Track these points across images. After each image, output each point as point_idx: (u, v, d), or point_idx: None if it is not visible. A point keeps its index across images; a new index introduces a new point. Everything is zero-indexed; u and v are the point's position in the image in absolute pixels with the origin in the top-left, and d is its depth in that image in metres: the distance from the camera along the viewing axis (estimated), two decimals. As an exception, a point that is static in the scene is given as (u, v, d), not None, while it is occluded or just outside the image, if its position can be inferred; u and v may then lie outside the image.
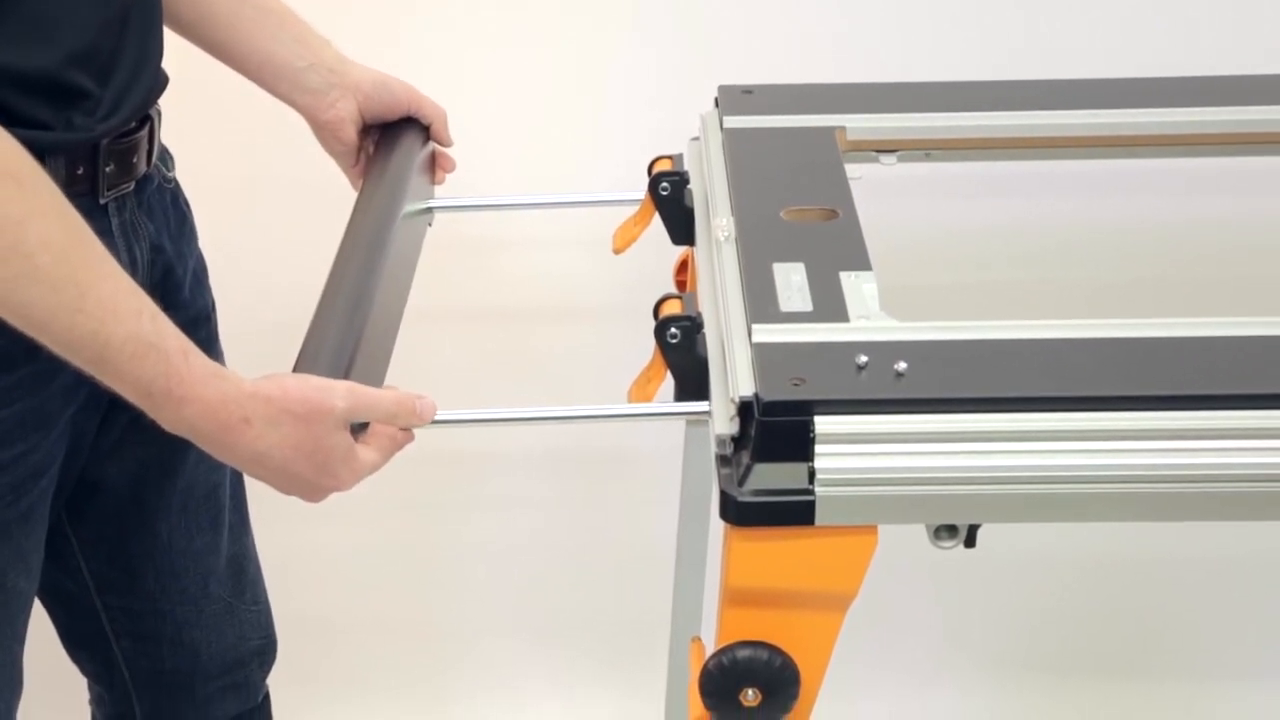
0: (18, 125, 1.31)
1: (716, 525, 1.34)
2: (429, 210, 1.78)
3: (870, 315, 1.42)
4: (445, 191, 1.85)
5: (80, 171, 1.46)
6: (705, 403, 1.41)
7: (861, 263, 1.51)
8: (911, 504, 1.29)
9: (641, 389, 1.49)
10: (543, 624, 2.59)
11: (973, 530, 1.32)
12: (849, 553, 1.30)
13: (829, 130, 1.81)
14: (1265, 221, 2.39)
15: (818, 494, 1.28)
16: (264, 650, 1.86)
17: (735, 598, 1.33)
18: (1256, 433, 1.29)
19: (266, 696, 1.90)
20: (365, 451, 1.38)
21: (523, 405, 1.52)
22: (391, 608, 2.58)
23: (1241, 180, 2.33)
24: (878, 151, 1.84)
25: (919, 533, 1.33)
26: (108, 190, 1.51)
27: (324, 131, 1.76)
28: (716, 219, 1.62)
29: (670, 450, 1.89)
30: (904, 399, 1.31)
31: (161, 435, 1.54)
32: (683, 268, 1.88)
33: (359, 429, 1.37)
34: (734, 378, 1.35)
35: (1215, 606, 2.60)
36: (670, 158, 1.81)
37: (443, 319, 2.33)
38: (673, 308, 1.48)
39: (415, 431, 1.41)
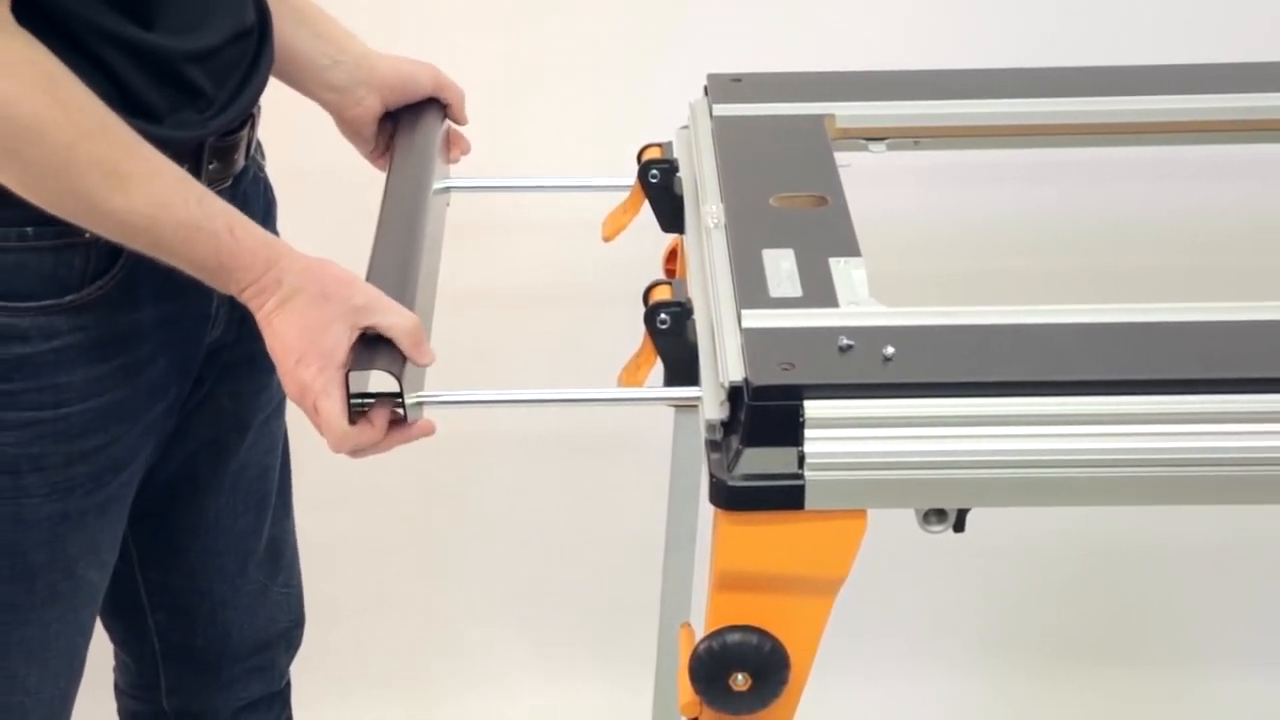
0: (132, 113, 1.39)
1: (706, 510, 1.35)
2: (447, 190, 1.79)
3: (859, 301, 1.43)
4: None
5: (185, 167, 1.47)
6: (695, 388, 1.41)
7: (851, 249, 1.51)
8: (901, 488, 1.30)
9: (631, 375, 1.49)
10: (531, 609, 2.60)
11: (962, 515, 1.33)
12: (838, 537, 1.31)
13: (818, 118, 1.81)
14: (1251, 208, 2.40)
15: (807, 478, 1.28)
16: (291, 632, 1.86)
17: (725, 582, 1.33)
18: (1245, 416, 1.30)
19: (288, 683, 1.90)
20: (334, 406, 1.39)
21: (511, 390, 1.52)
22: (378, 594, 2.58)
23: (1231, 168, 2.33)
24: (867, 139, 1.84)
25: (908, 517, 1.33)
26: (210, 185, 1.52)
27: (348, 125, 1.77)
28: (706, 206, 1.62)
29: (660, 436, 1.89)
30: (893, 384, 1.31)
31: (223, 417, 1.63)
32: (672, 255, 1.88)
33: (369, 352, 1.40)
34: (724, 363, 1.36)
35: (1203, 592, 2.61)
36: (660, 145, 1.81)
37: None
38: (662, 294, 1.48)
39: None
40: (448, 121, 1.80)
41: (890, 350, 1.33)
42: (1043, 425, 1.29)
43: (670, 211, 1.76)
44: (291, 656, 1.89)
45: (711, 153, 1.74)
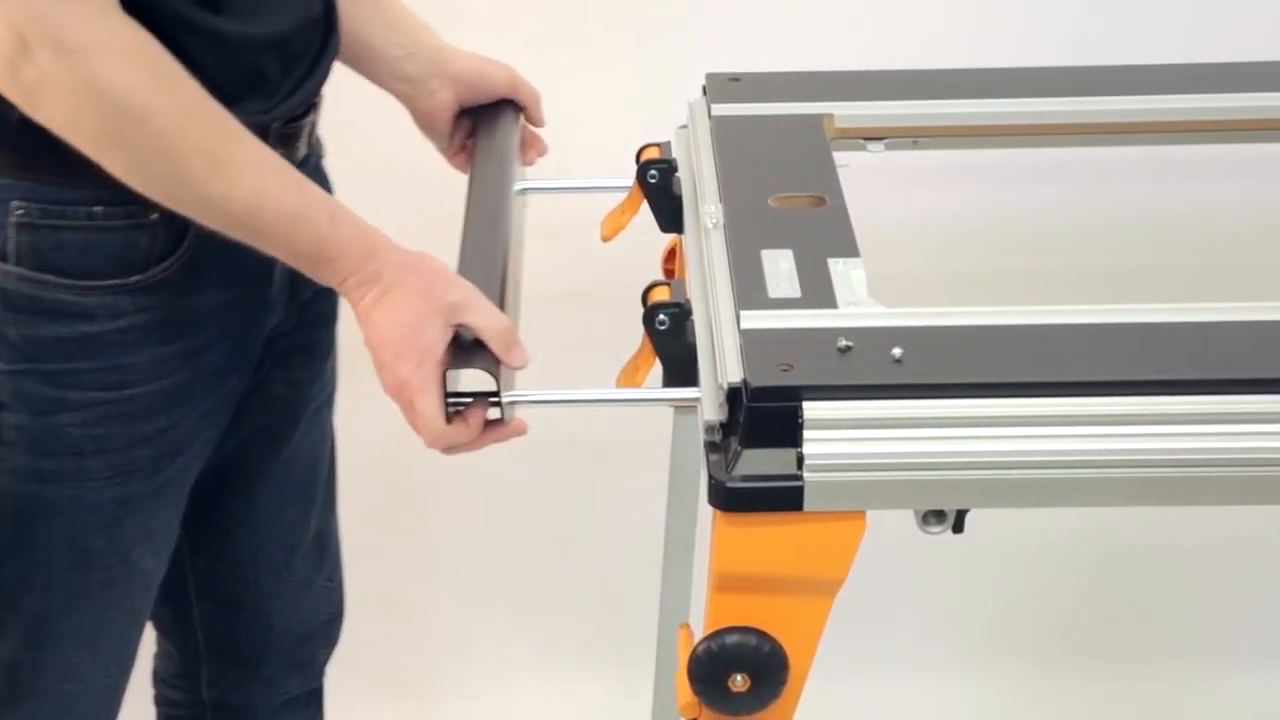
0: None
1: (705, 511, 1.35)
2: (524, 191, 1.79)
3: (858, 301, 1.43)
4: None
5: None
6: (694, 389, 1.41)
7: (849, 249, 1.51)
8: (900, 489, 1.30)
9: (630, 376, 1.49)
10: (530, 610, 2.60)
11: (960, 516, 1.32)
12: (837, 538, 1.31)
13: (817, 118, 1.81)
14: (1252, 208, 2.40)
15: (806, 479, 1.28)
16: (331, 626, 1.87)
17: (723, 583, 1.33)
18: (1246, 417, 1.29)
19: (321, 687, 1.90)
20: (432, 404, 1.40)
21: (509, 390, 1.52)
22: (376, 594, 2.58)
23: (1231, 167, 2.33)
24: (865, 139, 1.84)
25: (907, 518, 1.33)
26: None
27: (422, 118, 1.77)
28: (705, 206, 1.62)
29: (658, 437, 1.89)
30: (892, 384, 1.31)
31: (276, 405, 1.65)
32: (671, 255, 1.88)
33: (465, 350, 1.40)
34: (722, 364, 1.36)
35: (1203, 592, 2.61)
36: (658, 145, 1.81)
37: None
38: (661, 294, 1.48)
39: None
40: (525, 124, 1.80)
41: (899, 352, 1.33)
42: (1041, 426, 1.29)
43: (669, 212, 1.76)
44: (330, 653, 1.89)
45: (710, 153, 1.74)
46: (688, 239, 1.67)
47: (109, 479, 1.51)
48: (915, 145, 1.86)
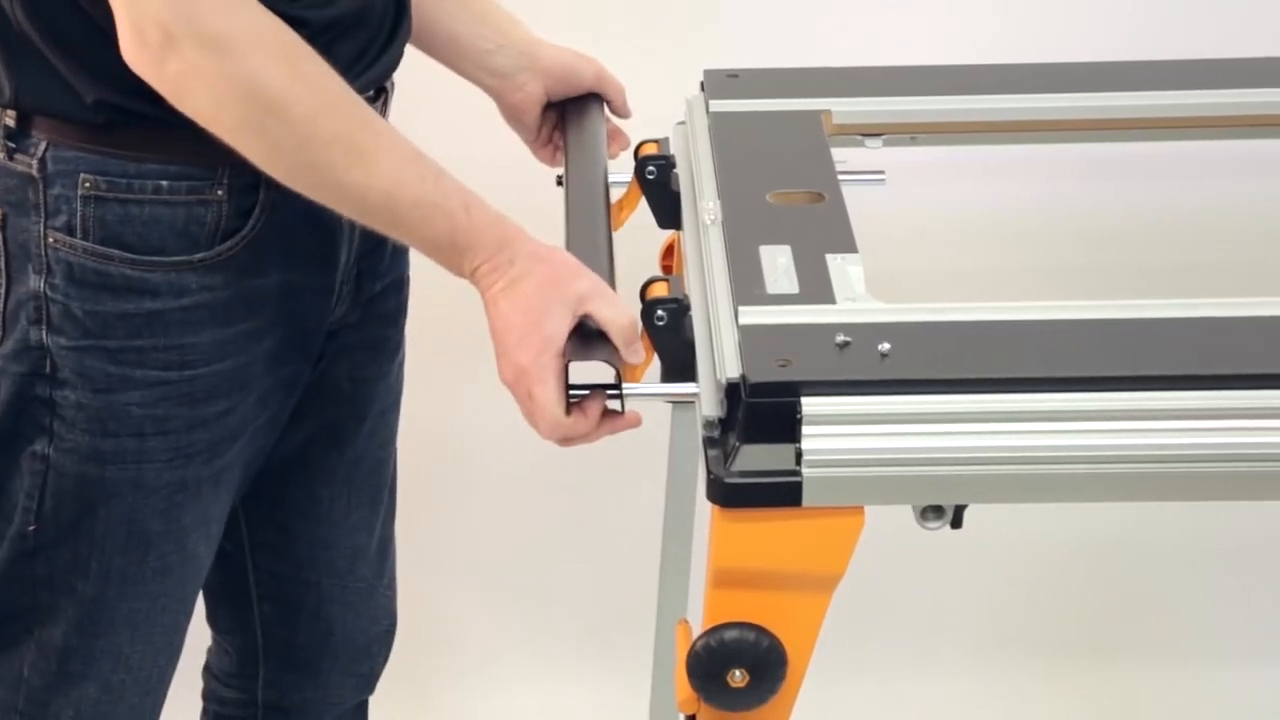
0: None
1: (703, 507, 1.35)
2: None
3: (856, 297, 1.43)
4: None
5: None
6: (692, 384, 1.41)
7: (847, 245, 1.51)
8: (898, 485, 1.30)
9: (629, 371, 1.49)
10: (528, 606, 2.60)
11: (959, 511, 1.32)
12: (836, 534, 1.31)
13: (815, 114, 1.81)
14: (1251, 204, 2.40)
15: (804, 475, 1.28)
16: (388, 636, 1.86)
17: (722, 579, 1.33)
18: (1243, 413, 1.30)
19: (367, 701, 1.89)
20: (552, 394, 1.40)
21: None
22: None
23: (1229, 163, 2.33)
24: (863, 135, 1.84)
25: (906, 513, 1.33)
26: None
27: (510, 111, 1.78)
28: (703, 202, 1.62)
29: (657, 432, 1.89)
30: (890, 380, 1.31)
31: (340, 401, 1.64)
32: (669, 251, 1.88)
33: (586, 341, 1.41)
34: (721, 360, 1.36)
35: (1202, 588, 2.61)
36: (656, 141, 1.81)
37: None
38: (659, 290, 1.48)
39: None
40: (610, 117, 1.81)
41: (885, 346, 1.33)
42: (1039, 421, 1.29)
43: (667, 207, 1.76)
44: (384, 664, 1.87)
45: (708, 149, 1.74)
46: (686, 235, 1.67)
47: (168, 461, 1.51)
48: (913, 141, 1.86)
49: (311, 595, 1.77)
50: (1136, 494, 1.31)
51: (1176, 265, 2.40)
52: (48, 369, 1.48)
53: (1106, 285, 2.39)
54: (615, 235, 1.77)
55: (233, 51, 1.34)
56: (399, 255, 1.69)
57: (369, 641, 1.83)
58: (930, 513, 1.32)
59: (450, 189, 1.43)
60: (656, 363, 1.51)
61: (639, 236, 1.83)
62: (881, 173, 1.81)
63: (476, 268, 1.43)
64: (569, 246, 1.52)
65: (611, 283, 1.47)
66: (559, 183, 1.74)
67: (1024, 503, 1.31)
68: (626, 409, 1.43)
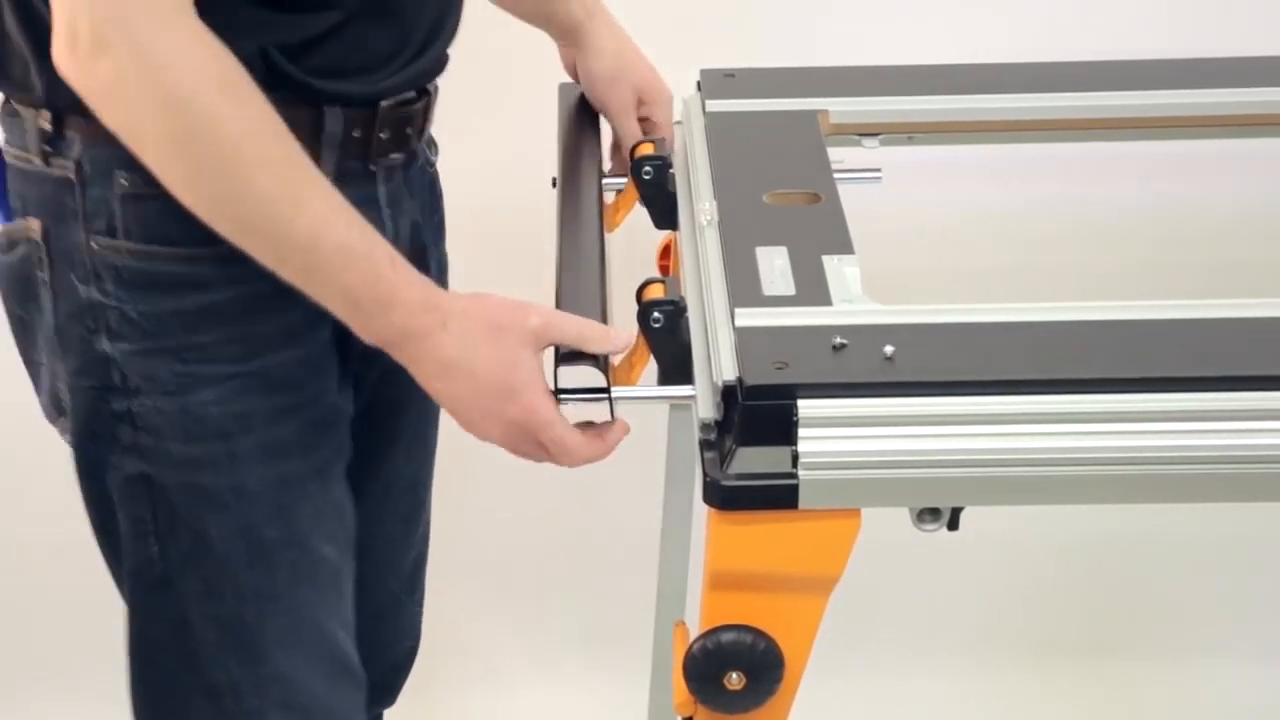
0: (307, 70, 1.39)
1: (700, 509, 1.35)
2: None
3: (853, 299, 1.43)
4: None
5: (356, 134, 1.47)
6: (689, 387, 1.41)
7: (844, 246, 1.51)
8: (894, 487, 1.29)
9: (625, 373, 1.49)
10: (526, 608, 2.60)
11: (955, 513, 1.32)
12: (832, 536, 1.30)
13: (811, 114, 1.81)
14: (1248, 204, 2.40)
15: (801, 478, 1.28)
16: (413, 653, 1.84)
17: (719, 581, 1.33)
18: (1242, 415, 1.29)
19: (382, 715, 1.86)
20: (566, 428, 1.38)
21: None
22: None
23: (1227, 162, 2.33)
24: (860, 135, 1.84)
25: (902, 516, 1.33)
26: (378, 157, 1.50)
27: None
28: (699, 203, 1.62)
29: (654, 435, 1.89)
30: (886, 382, 1.31)
31: (378, 419, 1.59)
32: (666, 252, 1.88)
33: (566, 359, 1.38)
34: (717, 362, 1.35)
35: (1199, 587, 2.61)
36: (653, 142, 1.81)
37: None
38: (656, 292, 1.48)
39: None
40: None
41: (890, 349, 1.33)
42: (1036, 423, 1.29)
43: (664, 208, 1.76)
44: (406, 678, 1.85)
45: (705, 149, 1.74)
46: (682, 236, 1.67)
47: (261, 459, 1.46)
48: (910, 141, 1.86)
49: None
50: (1134, 496, 1.31)
51: (1175, 265, 2.40)
52: (117, 379, 1.44)
53: (1104, 286, 2.39)
54: (611, 236, 1.78)
55: (162, 62, 1.28)
56: (441, 282, 1.66)
57: (396, 659, 1.81)
58: (927, 515, 1.32)
59: (375, 240, 1.36)
60: (653, 364, 1.51)
61: (636, 237, 1.83)
62: (878, 171, 1.81)
63: (398, 329, 1.36)
64: (560, 249, 1.51)
65: (604, 285, 1.46)
66: (554, 184, 1.73)
67: (1020, 505, 1.30)
68: (615, 416, 1.42)
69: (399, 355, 1.38)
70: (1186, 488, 1.30)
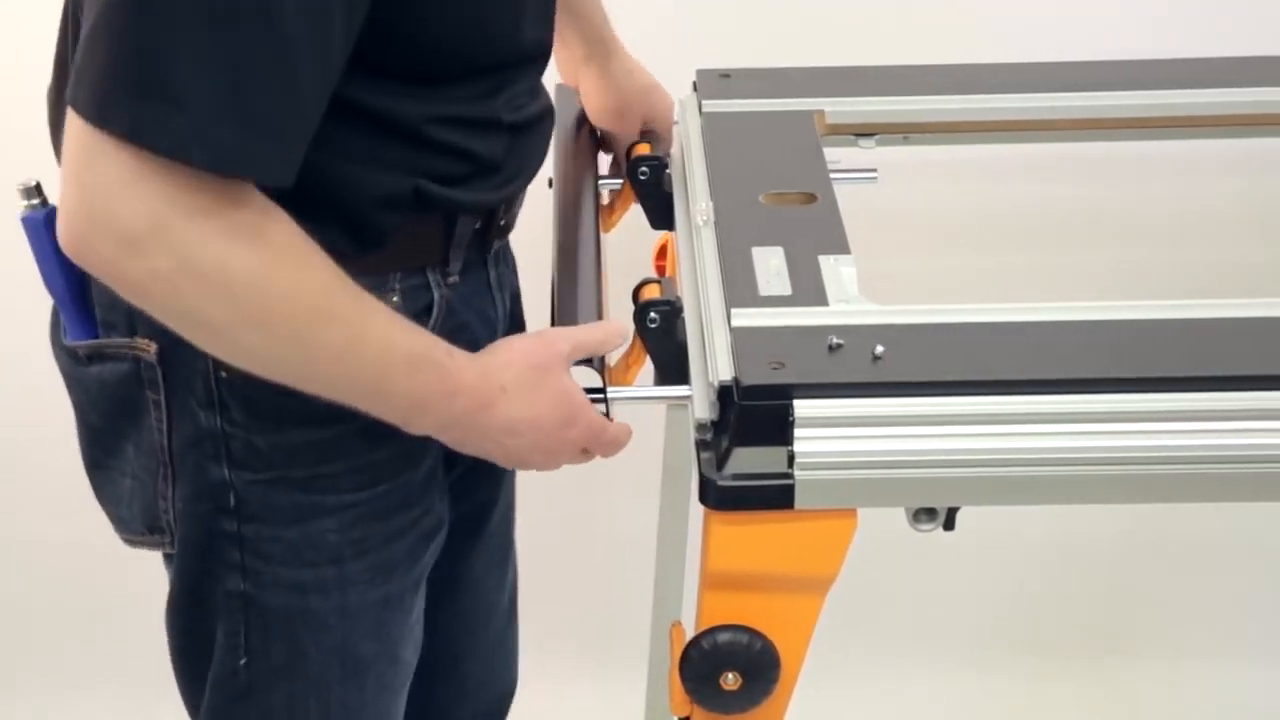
0: (441, 181, 1.37)
1: (697, 509, 1.35)
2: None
3: (849, 299, 1.42)
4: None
5: (478, 229, 1.47)
6: (685, 387, 1.41)
7: (840, 246, 1.51)
8: (891, 487, 1.29)
9: (621, 373, 1.49)
10: (522, 609, 2.59)
11: (951, 513, 1.32)
12: (828, 536, 1.30)
13: (808, 114, 1.80)
14: (1245, 204, 2.40)
15: (797, 478, 1.28)
16: (511, 695, 1.83)
17: (715, 582, 1.33)
18: (1237, 414, 1.29)
19: None
20: (614, 427, 1.42)
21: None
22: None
23: (1225, 162, 2.33)
24: (857, 135, 1.84)
25: (898, 516, 1.33)
26: (495, 239, 1.52)
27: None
28: (695, 203, 1.62)
29: (650, 435, 1.89)
30: (883, 382, 1.31)
31: (479, 486, 1.62)
32: (662, 252, 1.88)
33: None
34: (713, 362, 1.35)
35: (1196, 587, 2.61)
36: (649, 142, 1.81)
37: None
38: (652, 292, 1.48)
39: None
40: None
41: (880, 349, 1.33)
42: (1032, 423, 1.29)
43: (660, 208, 1.76)
44: (506, 712, 1.84)
45: (701, 149, 1.74)
46: (679, 236, 1.67)
47: (369, 581, 1.46)
48: (906, 141, 1.86)
49: (445, 656, 1.71)
50: (1131, 496, 1.31)
51: (1172, 265, 2.40)
52: (232, 504, 1.41)
53: (1101, 286, 2.39)
54: (608, 237, 1.78)
55: (204, 278, 1.21)
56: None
57: (500, 695, 1.81)
58: (923, 515, 1.32)
59: (426, 335, 1.35)
60: (649, 365, 1.51)
61: (632, 238, 1.83)
62: (874, 171, 1.81)
63: (462, 409, 1.35)
64: (556, 252, 1.52)
65: (600, 287, 1.46)
66: (550, 184, 1.73)
67: (1016, 505, 1.30)
68: (611, 416, 1.43)
69: (455, 434, 1.38)
70: (1184, 488, 1.30)
